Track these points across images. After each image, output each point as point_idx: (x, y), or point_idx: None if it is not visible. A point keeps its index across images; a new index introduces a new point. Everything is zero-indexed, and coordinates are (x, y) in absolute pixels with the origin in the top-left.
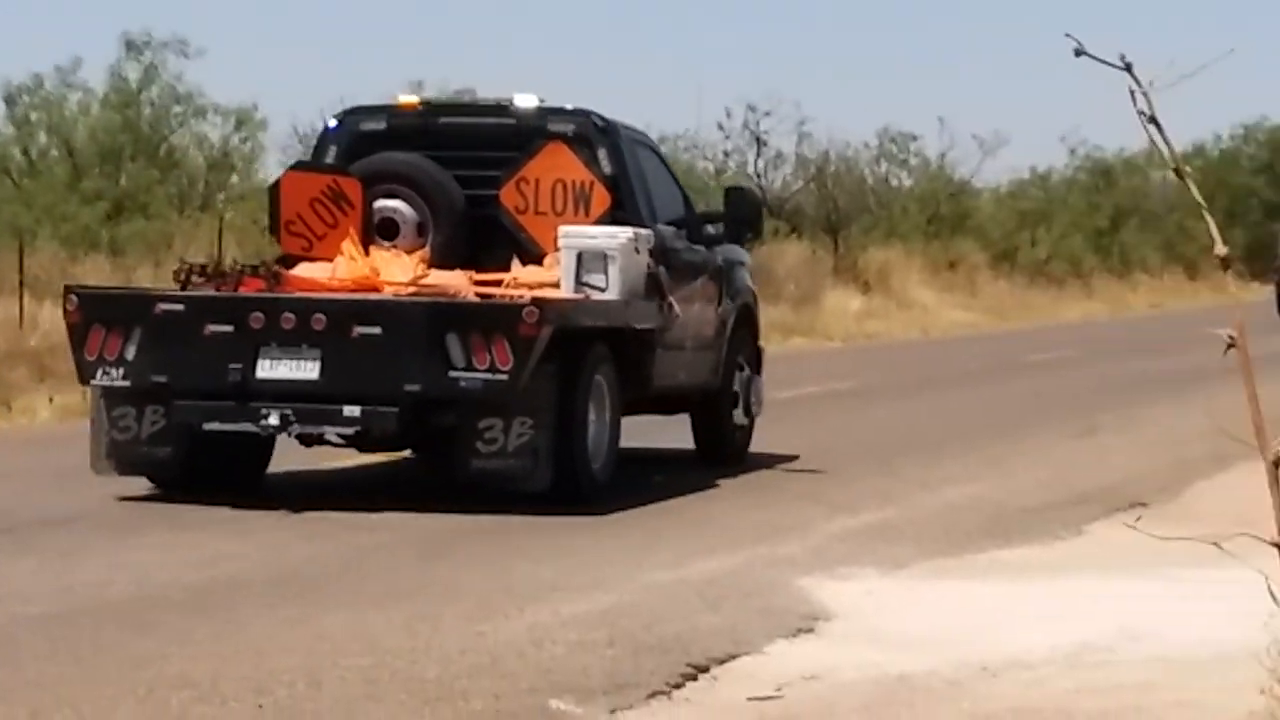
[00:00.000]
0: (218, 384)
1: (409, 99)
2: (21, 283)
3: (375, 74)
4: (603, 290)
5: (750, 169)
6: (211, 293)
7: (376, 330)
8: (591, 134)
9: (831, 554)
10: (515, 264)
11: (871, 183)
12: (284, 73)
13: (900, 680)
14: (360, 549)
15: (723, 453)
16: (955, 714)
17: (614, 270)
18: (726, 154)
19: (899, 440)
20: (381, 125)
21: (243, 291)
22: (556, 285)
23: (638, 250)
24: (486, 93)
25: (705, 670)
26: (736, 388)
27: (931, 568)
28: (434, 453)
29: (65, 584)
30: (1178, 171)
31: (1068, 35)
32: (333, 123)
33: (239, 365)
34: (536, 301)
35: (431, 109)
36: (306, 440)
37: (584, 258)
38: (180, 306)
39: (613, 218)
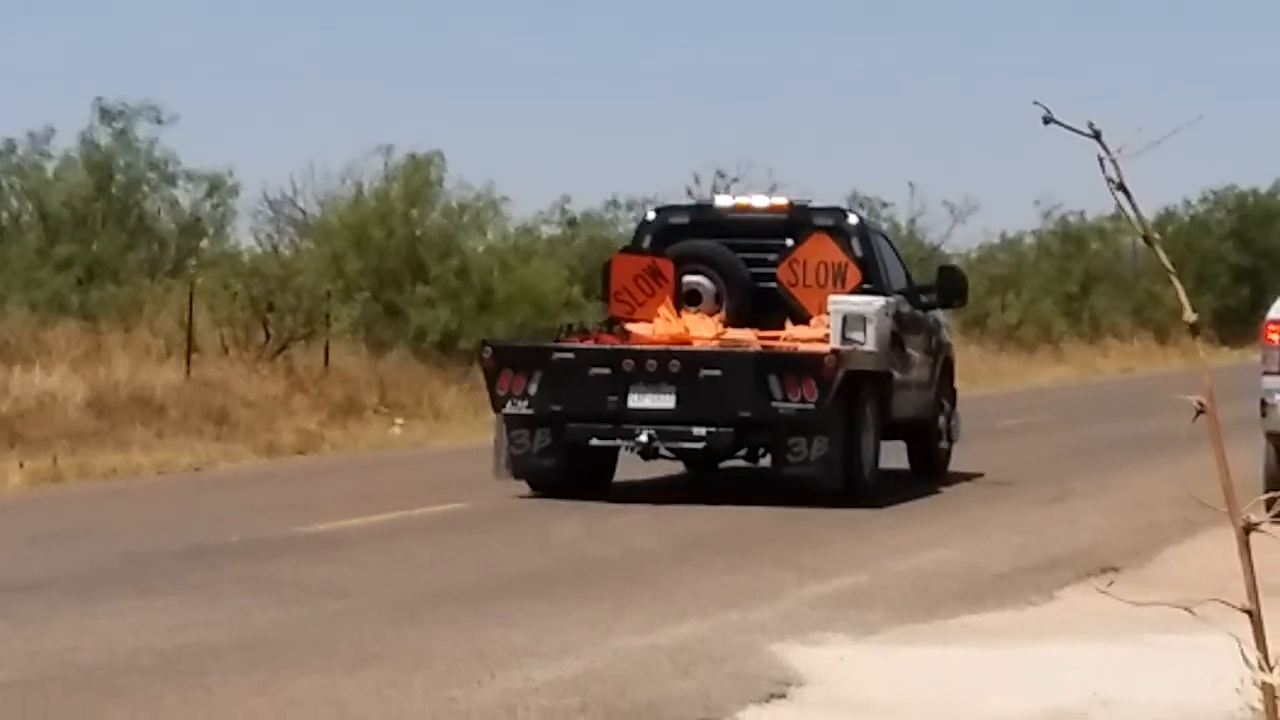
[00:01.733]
0: (599, 411)
1: (709, 199)
2: None
3: (344, 138)
4: (862, 344)
5: None
6: (594, 345)
7: (718, 372)
8: (846, 226)
9: (803, 619)
10: (788, 324)
11: None
12: (255, 139)
13: None
14: (330, 613)
15: (931, 470)
16: None
17: (870, 329)
18: None
19: (870, 504)
20: (686, 219)
21: (603, 343)
22: (823, 340)
23: (886, 314)
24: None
25: None
26: (941, 420)
27: (904, 633)
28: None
29: (34, 649)
30: (1146, 239)
31: (1036, 103)
32: (650, 216)
33: (615, 398)
34: (834, 351)
35: (724, 207)
36: (647, 455)
37: (848, 319)
38: (571, 355)
39: (862, 290)
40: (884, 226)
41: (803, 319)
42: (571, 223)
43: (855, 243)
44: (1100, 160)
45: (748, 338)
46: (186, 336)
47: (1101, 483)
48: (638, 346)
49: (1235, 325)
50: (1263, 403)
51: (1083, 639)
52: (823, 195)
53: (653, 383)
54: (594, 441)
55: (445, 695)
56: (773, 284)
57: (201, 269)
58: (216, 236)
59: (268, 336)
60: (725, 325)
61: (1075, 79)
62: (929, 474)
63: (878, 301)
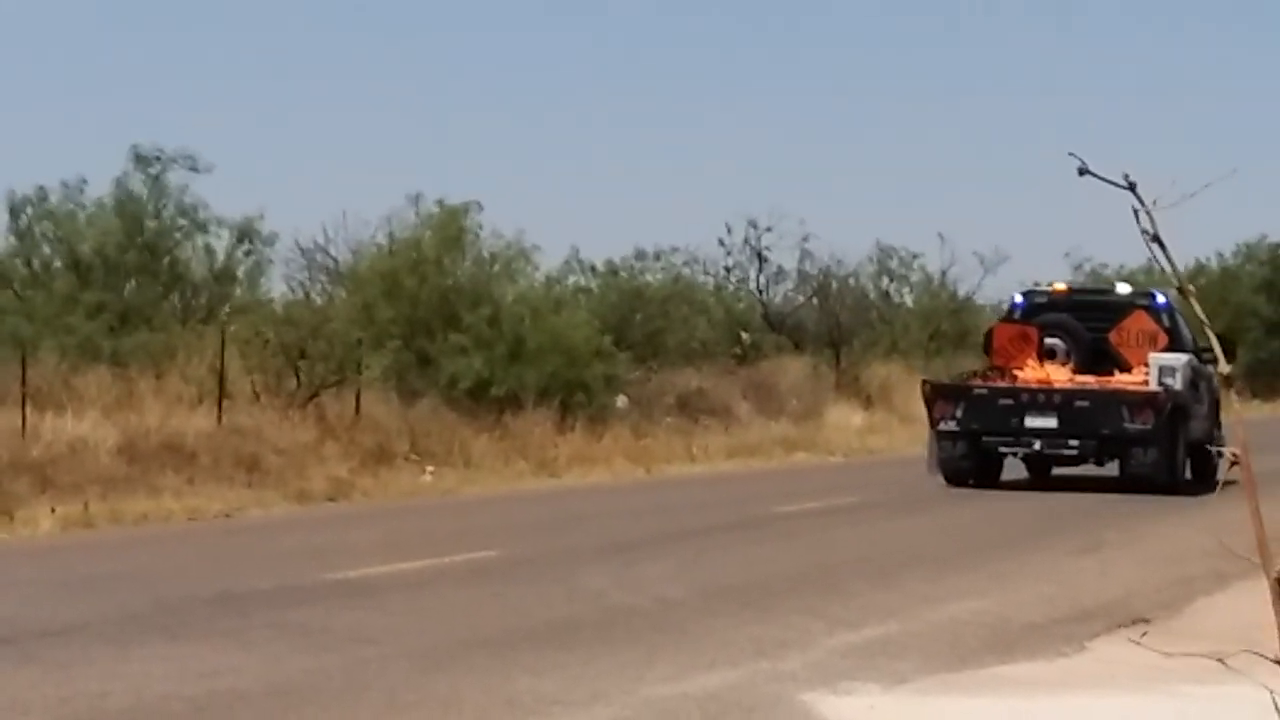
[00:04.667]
0: (1004, 428)
1: (1060, 285)
2: (24, 394)
3: (376, 189)
4: (1174, 387)
5: (751, 284)
6: (1002, 384)
7: (1087, 403)
8: (1156, 305)
9: (833, 668)
10: (1115, 372)
11: (874, 298)
12: (288, 188)
13: None
14: (359, 660)
15: (1205, 478)
16: None
17: (1179, 376)
18: (728, 269)
19: (902, 555)
20: (1045, 299)
21: (999, 384)
22: (1142, 384)
23: (1188, 366)
24: None
25: None
26: (1214, 442)
27: (934, 683)
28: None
29: (65, 694)
30: (1181, 289)
31: (1071, 154)
32: (1019, 298)
33: (1016, 419)
34: (1165, 390)
35: (1072, 290)
36: (1029, 459)
37: (1162, 369)
38: (986, 391)
39: (1169, 349)
40: (913, 277)
41: (1126, 369)
42: (594, 270)
43: (1164, 317)
44: (1135, 212)
45: (1091, 381)
46: (218, 383)
47: (1134, 534)
48: (1032, 385)
49: (1267, 378)
50: None
51: (1114, 690)
52: (854, 246)
53: (1041, 410)
54: (1001, 449)
55: None
56: (1105, 344)
57: (233, 316)
58: (249, 284)
59: (299, 384)
60: (1074, 373)
61: (1109, 129)
62: (1206, 481)
63: (1183, 357)
